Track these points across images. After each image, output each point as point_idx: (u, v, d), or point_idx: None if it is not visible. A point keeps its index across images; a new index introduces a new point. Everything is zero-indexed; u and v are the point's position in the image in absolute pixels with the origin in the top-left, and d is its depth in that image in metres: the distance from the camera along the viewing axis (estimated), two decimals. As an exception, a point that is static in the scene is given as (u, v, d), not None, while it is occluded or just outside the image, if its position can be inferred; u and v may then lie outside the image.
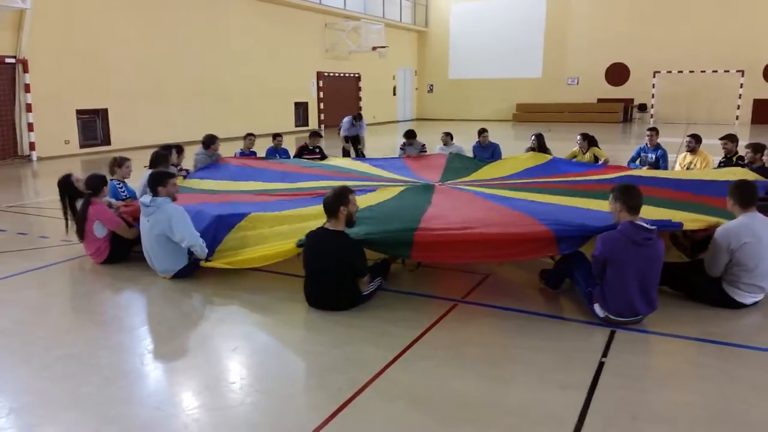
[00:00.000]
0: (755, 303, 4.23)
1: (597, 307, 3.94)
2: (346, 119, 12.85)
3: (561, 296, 4.50)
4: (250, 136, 9.71)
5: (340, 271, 4.13)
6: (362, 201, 5.01)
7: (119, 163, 6.46)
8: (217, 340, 3.86)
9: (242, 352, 3.69)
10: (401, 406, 2.99)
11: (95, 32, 14.48)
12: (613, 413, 2.91)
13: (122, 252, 5.45)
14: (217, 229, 5.07)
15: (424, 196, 5.92)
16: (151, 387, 3.26)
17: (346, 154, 12.39)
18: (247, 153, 9.56)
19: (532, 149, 9.28)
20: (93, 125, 14.86)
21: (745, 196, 4.23)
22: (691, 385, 3.25)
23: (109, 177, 5.97)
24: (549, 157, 8.55)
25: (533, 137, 9.27)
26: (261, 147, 10.26)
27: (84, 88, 14.36)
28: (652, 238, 3.78)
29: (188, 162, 8.36)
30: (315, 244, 4.23)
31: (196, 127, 10.46)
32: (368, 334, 3.85)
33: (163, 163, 6.58)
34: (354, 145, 12.79)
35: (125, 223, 5.46)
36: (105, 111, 14.94)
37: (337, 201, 4.16)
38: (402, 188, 6.37)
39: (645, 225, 3.80)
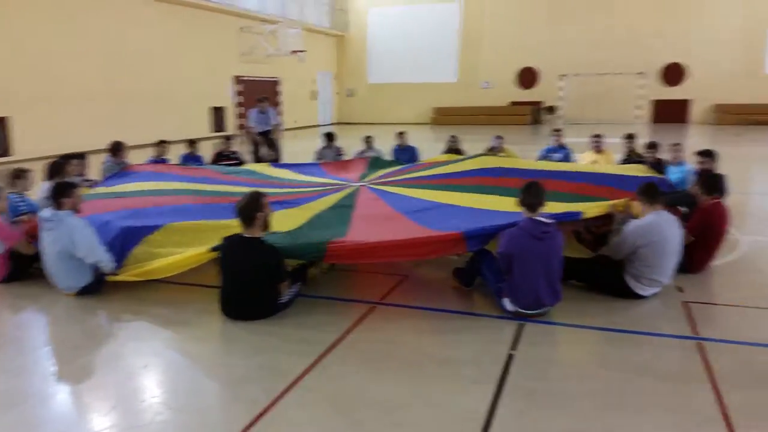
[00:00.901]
0: (653, 294, 4.55)
1: (506, 302, 4.11)
2: (253, 111, 11.68)
3: (474, 293, 4.65)
4: (162, 143, 9.37)
5: (258, 279, 4.09)
6: (280, 218, 4.90)
7: (18, 175, 6.08)
8: (126, 359, 3.71)
9: (153, 369, 3.57)
10: (320, 413, 3.00)
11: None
12: (521, 404, 3.05)
13: (22, 269, 5.13)
14: (125, 240, 4.86)
15: (342, 216, 5.65)
16: (55, 410, 3.10)
17: (259, 156, 11.28)
18: (159, 161, 9.23)
19: (448, 150, 9.62)
20: (-9, 135, 13.88)
21: (651, 194, 4.53)
22: (595, 374, 3.45)
23: (7, 190, 5.61)
24: (464, 156, 8.83)
25: (450, 138, 9.76)
26: (175, 154, 9.94)
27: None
28: (550, 231, 3.99)
29: (94, 171, 7.98)
30: (232, 251, 4.16)
31: (105, 134, 9.99)
32: (285, 341, 3.83)
33: (61, 173, 6.25)
34: (267, 142, 11.44)
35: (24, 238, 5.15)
36: (2, 119, 13.98)
37: (252, 207, 4.11)
38: (322, 205, 6.12)
39: (543, 220, 4.01)
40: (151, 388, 3.34)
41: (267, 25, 23.49)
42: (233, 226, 4.76)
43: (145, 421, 2.92)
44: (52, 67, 15.11)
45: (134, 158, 9.67)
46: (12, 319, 4.51)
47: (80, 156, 7.36)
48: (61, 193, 4.66)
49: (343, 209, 5.89)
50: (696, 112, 25.89)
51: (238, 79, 23.09)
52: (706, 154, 6.25)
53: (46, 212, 4.71)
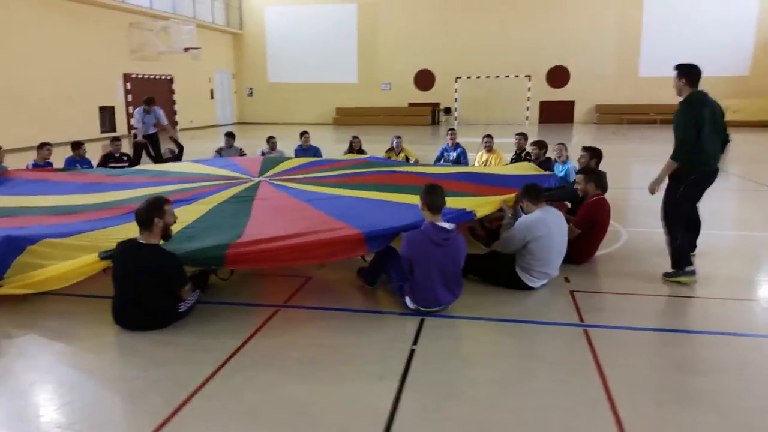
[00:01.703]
0: (542, 285, 4.85)
1: (408, 300, 4.23)
2: (139, 110, 11.08)
3: (378, 291, 4.75)
4: (46, 146, 8.73)
5: (154, 287, 3.94)
6: (179, 215, 4.75)
7: None
8: (14, 376, 3.46)
9: (43, 385, 3.36)
10: (224, 421, 2.95)
11: None
12: (423, 397, 3.16)
13: None
14: (6, 252, 4.51)
15: (243, 209, 5.63)
16: (-75, 441, 2.84)
17: (156, 155, 10.96)
18: (42, 165, 8.60)
19: (350, 151, 9.76)
20: None
21: (534, 194, 4.85)
22: (492, 363, 3.64)
23: None
24: (365, 155, 8.99)
25: (353, 138, 10.00)
26: (59, 158, 9.30)
27: None
28: (450, 237, 4.15)
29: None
30: (125, 257, 3.98)
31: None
32: (185, 351, 3.72)
33: None
34: (153, 146, 10.93)
35: None
36: None
37: (151, 211, 3.96)
38: (222, 197, 6.12)
39: (444, 226, 4.16)
40: (43, 405, 3.14)
41: (158, 21, 22.51)
42: (117, 235, 4.59)
43: (33, 443, 2.75)
44: None
45: (14, 163, 8.96)
46: None
47: None
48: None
49: (243, 201, 5.85)
50: (579, 112, 27.75)
51: (128, 77, 21.95)
52: (588, 150, 6.70)
53: None
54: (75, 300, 4.52)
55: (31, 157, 8.91)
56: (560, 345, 3.87)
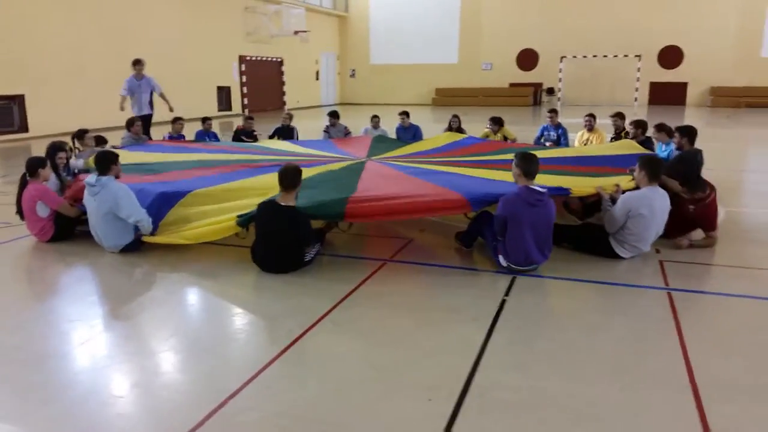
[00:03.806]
0: (631, 257, 5.10)
1: (501, 258, 4.69)
2: (127, 79, 10.32)
3: (473, 252, 5.24)
4: (179, 120, 9.90)
5: (289, 241, 4.65)
6: None
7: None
8: (173, 300, 4.33)
9: (198, 307, 4.20)
10: (345, 339, 3.60)
11: (8, 16, 13.95)
12: (511, 335, 3.65)
13: (67, 230, 5.71)
14: (161, 205, 5.43)
15: (353, 173, 6.46)
16: (120, 336, 3.68)
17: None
18: (176, 137, 9.77)
19: (450, 129, 10.16)
20: (9, 111, 14.36)
21: (654, 169, 4.94)
22: (576, 314, 4.04)
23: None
24: (464, 135, 9.38)
25: (453, 117, 10.28)
26: (189, 131, 10.47)
27: (-1, 73, 13.87)
28: (543, 199, 4.55)
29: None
30: (267, 216, 4.69)
31: (118, 112, 10.46)
32: (310, 289, 4.42)
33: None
34: (145, 129, 9.81)
35: (66, 202, 5.72)
36: (22, 97, 14.47)
37: (295, 179, 4.67)
38: (333, 167, 6.86)
39: (538, 188, 4.57)
40: (201, 320, 3.96)
41: (271, 6, 23.83)
42: (254, 187, 5.39)
43: (202, 344, 3.52)
44: (70, 49, 15.53)
45: (152, 135, 10.24)
46: (66, 272, 5.10)
47: (80, 133, 7.91)
48: (108, 161, 5.22)
49: (352, 170, 6.56)
50: (692, 94, 26.38)
51: (243, 59, 23.48)
52: (680, 129, 6.65)
53: (91, 178, 5.26)
54: (216, 248, 5.35)
55: (162, 131, 10.11)
56: (643, 304, 4.18)
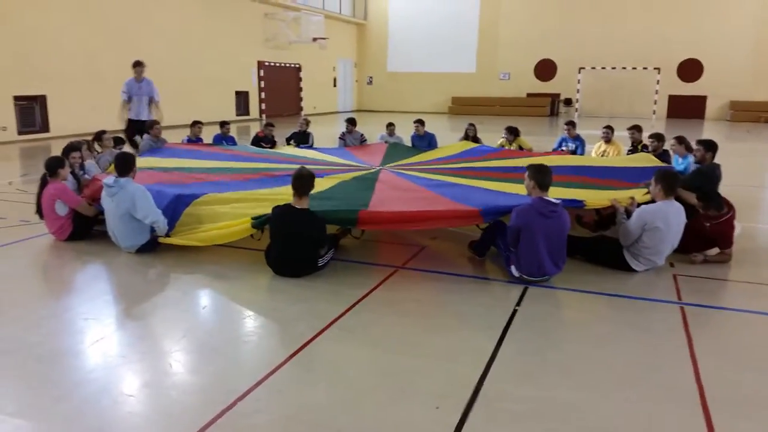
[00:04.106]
0: (645, 270, 5.06)
1: (513, 269, 4.69)
2: (129, 80, 9.95)
3: (486, 262, 5.24)
4: (198, 124, 10.01)
5: (303, 244, 4.68)
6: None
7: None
8: (187, 301, 4.38)
9: (212, 309, 4.24)
10: (355, 344, 3.61)
11: (30, 17, 14.24)
12: (521, 345, 3.64)
13: (85, 229, 5.80)
14: (176, 206, 5.50)
15: (366, 184, 6.41)
16: (133, 335, 3.73)
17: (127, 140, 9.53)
18: (195, 140, 9.88)
19: (466, 137, 10.20)
20: (31, 112, 14.63)
21: (670, 184, 4.91)
22: (587, 326, 4.02)
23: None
24: (478, 144, 9.42)
25: (468, 126, 10.37)
26: (207, 135, 10.58)
27: (21, 74, 14.12)
28: (557, 211, 4.55)
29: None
30: (283, 219, 4.72)
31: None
32: (322, 293, 4.44)
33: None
34: (134, 130, 9.60)
35: (84, 201, 5.81)
36: (43, 97, 14.73)
37: (309, 183, 4.71)
38: (347, 177, 6.84)
39: (552, 200, 4.56)
40: (213, 321, 4.01)
41: (290, 12, 24.05)
42: (268, 195, 5.44)
43: (214, 345, 3.56)
44: (91, 52, 15.79)
45: (169, 138, 10.35)
46: (82, 270, 5.18)
47: (106, 132, 8.03)
48: (129, 163, 5.31)
49: (366, 181, 6.55)
50: (711, 108, 26.14)
51: (262, 65, 23.70)
52: (702, 143, 6.60)
53: (109, 179, 5.34)
54: (230, 250, 5.41)
55: (181, 134, 10.21)
56: (655, 317, 4.15)
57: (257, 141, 10.37)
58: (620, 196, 5.43)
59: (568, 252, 4.79)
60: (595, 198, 5.49)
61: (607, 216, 5.76)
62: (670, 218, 4.84)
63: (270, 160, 7.85)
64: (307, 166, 5.03)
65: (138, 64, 9.88)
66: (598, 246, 5.29)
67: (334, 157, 8.35)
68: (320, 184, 6.17)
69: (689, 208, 5.25)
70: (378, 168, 7.46)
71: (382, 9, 30.72)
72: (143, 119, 9.82)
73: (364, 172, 7.18)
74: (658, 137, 8.28)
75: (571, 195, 5.42)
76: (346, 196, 5.76)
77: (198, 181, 6.41)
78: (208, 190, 5.82)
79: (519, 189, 5.80)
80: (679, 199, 5.13)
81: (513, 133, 9.98)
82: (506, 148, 9.90)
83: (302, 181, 4.71)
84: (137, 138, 9.67)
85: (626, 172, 6.92)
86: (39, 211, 5.87)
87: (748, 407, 2.96)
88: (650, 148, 8.27)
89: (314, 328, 3.74)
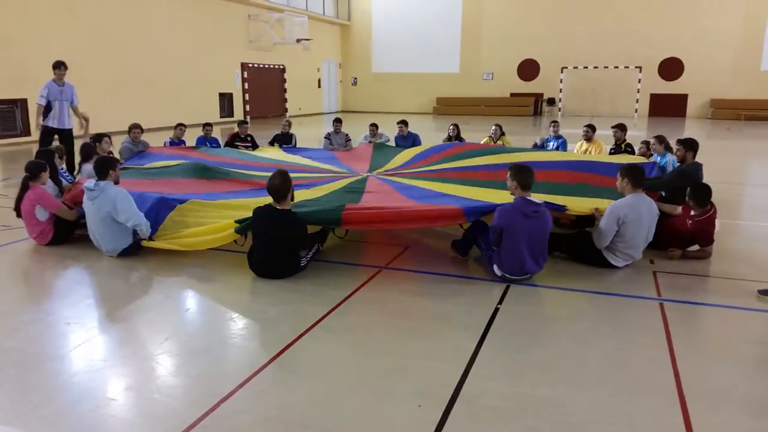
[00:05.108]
0: (625, 266, 5.14)
1: (495, 267, 4.73)
2: (49, 82, 8.74)
3: (469, 261, 5.28)
4: (180, 126, 9.96)
5: (285, 245, 4.68)
6: (298, 197, 5.48)
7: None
8: (170, 303, 4.37)
9: (194, 311, 4.23)
10: (338, 345, 3.63)
11: (9, 20, 14.07)
12: (502, 344, 3.68)
13: (66, 233, 5.75)
14: (159, 209, 5.47)
15: (354, 198, 6.17)
16: (116, 339, 3.71)
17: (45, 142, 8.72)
18: (177, 142, 9.82)
19: (449, 138, 10.25)
20: (11, 116, 14.46)
21: (636, 177, 5.01)
22: (568, 323, 4.07)
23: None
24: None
25: (451, 126, 10.38)
26: (190, 137, 10.53)
27: (0, 77, 13.92)
28: (539, 211, 4.59)
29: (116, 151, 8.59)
30: (264, 220, 4.72)
31: (121, 117, 10.47)
32: (305, 294, 4.45)
33: (92, 151, 6.92)
34: (66, 145, 8.54)
35: (65, 206, 5.77)
36: (24, 101, 14.55)
37: (285, 184, 4.68)
38: (336, 186, 6.73)
39: (534, 200, 4.61)
40: (196, 324, 4.00)
41: (274, 14, 23.98)
42: (249, 205, 5.42)
43: (197, 348, 3.56)
44: (73, 55, 15.50)
45: (152, 140, 10.27)
46: (63, 275, 5.14)
47: (108, 136, 7.96)
48: (109, 166, 5.28)
49: (354, 191, 6.50)
50: (692, 106, 26.47)
51: (245, 66, 23.61)
52: (683, 143, 6.73)
53: (90, 183, 5.31)
54: (213, 253, 5.39)
55: (166, 135, 10.15)
56: (635, 314, 4.21)
57: (232, 141, 10.23)
58: (601, 205, 5.47)
59: (548, 249, 4.84)
60: (577, 205, 5.51)
61: (586, 217, 5.81)
62: (641, 210, 4.93)
63: (256, 168, 7.77)
64: (293, 174, 4.98)
65: (60, 65, 8.71)
66: (578, 242, 5.34)
67: (319, 163, 8.34)
68: (307, 195, 6.11)
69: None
70: (365, 175, 7.46)
71: (365, 10, 30.73)
72: (67, 128, 8.84)
73: (353, 179, 7.14)
74: (649, 145, 8.17)
75: (553, 200, 5.46)
76: (331, 201, 5.76)
77: (185, 190, 6.33)
78: (191, 197, 5.78)
79: (504, 197, 5.82)
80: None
81: (501, 130, 10.14)
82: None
83: (277, 189, 4.68)
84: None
85: (611, 167, 6.97)
86: (17, 209, 5.80)
87: (724, 400, 3.01)
88: (641, 153, 8.35)
89: (297, 330, 3.75)
